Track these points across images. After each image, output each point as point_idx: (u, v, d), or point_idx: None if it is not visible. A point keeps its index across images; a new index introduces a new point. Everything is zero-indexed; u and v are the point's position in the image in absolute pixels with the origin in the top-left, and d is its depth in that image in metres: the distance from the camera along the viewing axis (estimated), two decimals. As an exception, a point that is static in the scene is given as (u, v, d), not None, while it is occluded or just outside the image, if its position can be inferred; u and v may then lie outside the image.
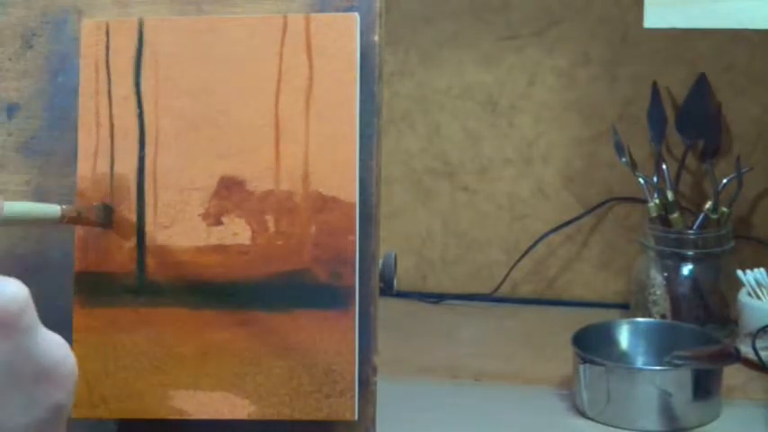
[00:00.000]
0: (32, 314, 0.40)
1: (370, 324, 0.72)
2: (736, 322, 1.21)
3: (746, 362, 1.13)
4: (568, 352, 1.07)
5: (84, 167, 0.72)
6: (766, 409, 1.05)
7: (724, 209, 1.27)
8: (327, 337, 0.70)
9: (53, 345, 0.41)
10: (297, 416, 0.69)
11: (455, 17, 1.40)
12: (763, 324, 1.13)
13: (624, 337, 1.15)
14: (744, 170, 1.27)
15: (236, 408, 0.70)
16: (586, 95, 1.38)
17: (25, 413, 0.40)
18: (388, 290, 0.74)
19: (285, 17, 0.72)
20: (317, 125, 0.71)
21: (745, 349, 1.13)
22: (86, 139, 0.72)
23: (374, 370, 0.73)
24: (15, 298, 0.39)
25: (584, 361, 1.04)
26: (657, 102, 1.32)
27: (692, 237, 1.27)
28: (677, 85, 1.34)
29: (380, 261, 0.74)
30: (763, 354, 1.13)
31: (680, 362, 1.03)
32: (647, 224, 1.29)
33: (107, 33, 0.73)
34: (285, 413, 0.69)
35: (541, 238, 1.40)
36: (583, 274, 1.42)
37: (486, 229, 1.44)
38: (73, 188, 0.73)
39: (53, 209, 0.60)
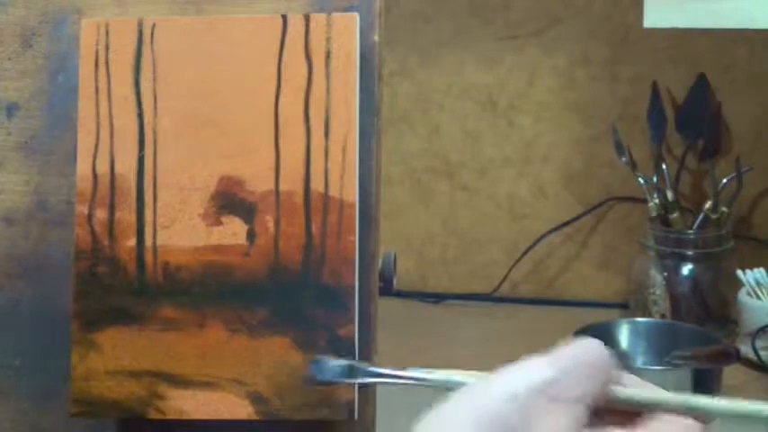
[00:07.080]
0: None
1: (370, 324, 0.72)
2: (736, 322, 1.21)
3: (746, 362, 1.13)
4: (568, 352, 1.07)
5: (83, 167, 0.72)
6: (766, 409, 1.05)
7: (724, 209, 1.27)
8: (327, 337, 0.69)
9: None
10: (296, 416, 0.69)
11: (455, 17, 1.40)
12: (763, 324, 1.13)
13: (624, 337, 1.15)
14: (744, 170, 1.27)
15: (236, 408, 0.70)
16: (586, 95, 1.38)
17: None
18: (387, 290, 0.74)
19: (285, 17, 0.72)
20: (317, 125, 0.71)
21: (745, 349, 1.13)
22: (86, 139, 0.72)
23: (374, 370, 0.72)
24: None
25: (584, 361, 1.04)
26: (657, 102, 1.32)
27: (691, 237, 1.27)
28: (677, 85, 1.34)
29: (380, 261, 0.74)
30: (762, 354, 1.13)
31: (680, 362, 1.03)
32: (646, 224, 1.29)
33: (107, 33, 0.73)
34: (285, 413, 0.69)
35: (541, 237, 1.40)
36: (583, 274, 1.42)
37: (485, 229, 1.44)
38: (72, 188, 0.73)
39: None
